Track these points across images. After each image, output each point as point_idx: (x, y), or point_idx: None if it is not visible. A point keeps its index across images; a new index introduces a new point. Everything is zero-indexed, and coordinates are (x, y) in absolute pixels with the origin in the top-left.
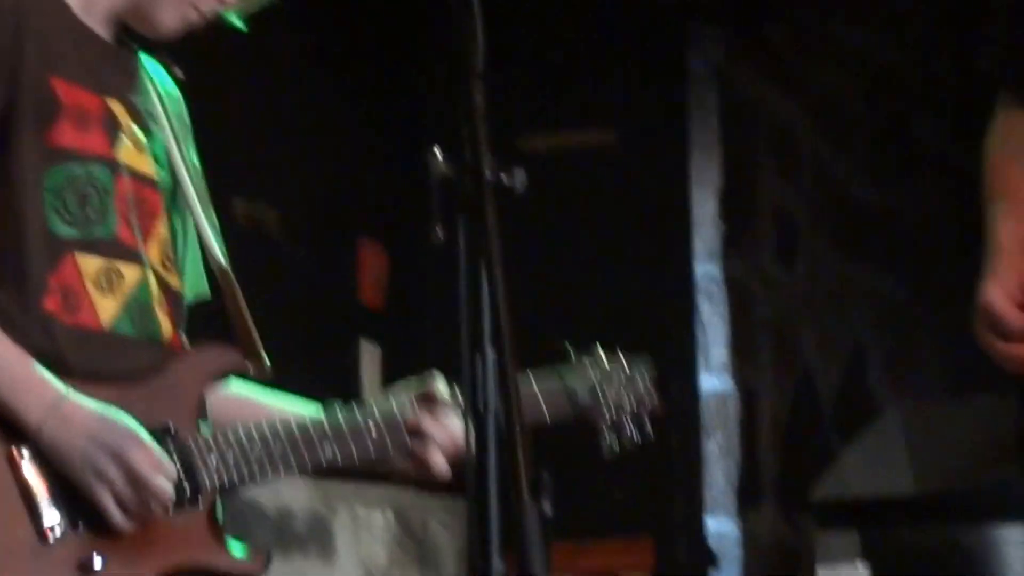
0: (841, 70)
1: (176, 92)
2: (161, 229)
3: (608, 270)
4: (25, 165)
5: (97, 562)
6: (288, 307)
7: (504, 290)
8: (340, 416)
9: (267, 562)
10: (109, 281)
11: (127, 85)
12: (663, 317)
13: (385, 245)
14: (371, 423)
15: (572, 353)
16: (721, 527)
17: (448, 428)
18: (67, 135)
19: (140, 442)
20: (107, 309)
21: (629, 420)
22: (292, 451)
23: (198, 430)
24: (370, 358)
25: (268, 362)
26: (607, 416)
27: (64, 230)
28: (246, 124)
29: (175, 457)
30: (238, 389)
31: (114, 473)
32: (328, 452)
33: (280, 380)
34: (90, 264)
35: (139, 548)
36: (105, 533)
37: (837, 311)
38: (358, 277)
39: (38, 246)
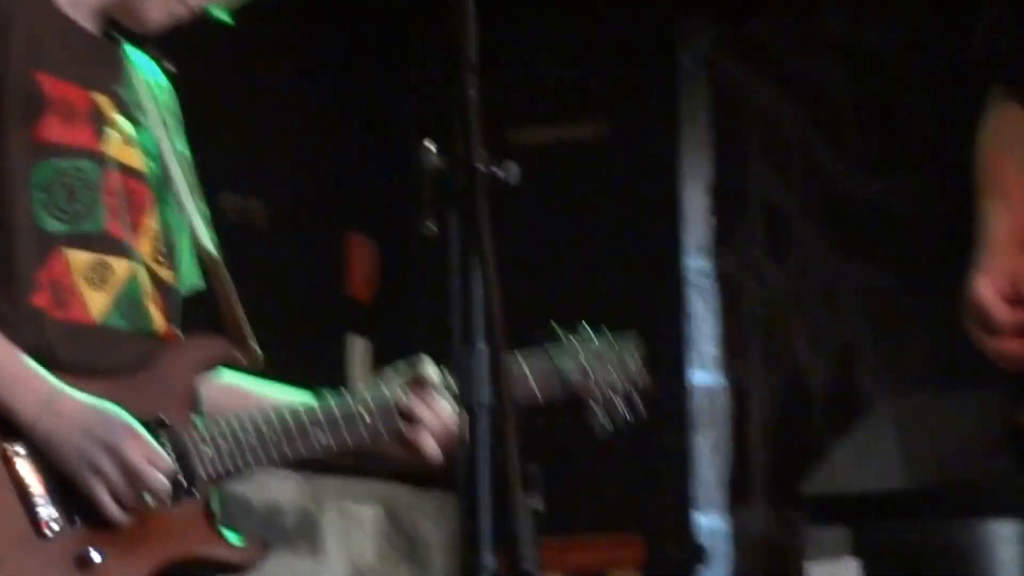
0: (830, 62)
1: (165, 82)
2: (151, 222)
3: (598, 264)
4: (12, 161)
5: (95, 556)
6: (277, 301)
7: (496, 284)
8: (332, 403)
9: (264, 551)
10: (99, 275)
11: (114, 78)
12: (653, 312)
13: (374, 238)
14: (363, 409)
15: (560, 333)
16: (711, 523)
17: (440, 412)
18: (54, 130)
19: (135, 435)
20: (97, 303)
21: (619, 398)
22: (286, 439)
23: (191, 421)
24: (359, 352)
25: (259, 351)
26: (597, 394)
27: (52, 225)
28: (234, 118)
29: (169, 449)
30: (229, 379)
31: (109, 467)
32: (322, 439)
33: (269, 374)
34: (79, 259)
35: (136, 541)
36: (102, 527)
37: (828, 306)
38: (347, 271)
39: (26, 242)
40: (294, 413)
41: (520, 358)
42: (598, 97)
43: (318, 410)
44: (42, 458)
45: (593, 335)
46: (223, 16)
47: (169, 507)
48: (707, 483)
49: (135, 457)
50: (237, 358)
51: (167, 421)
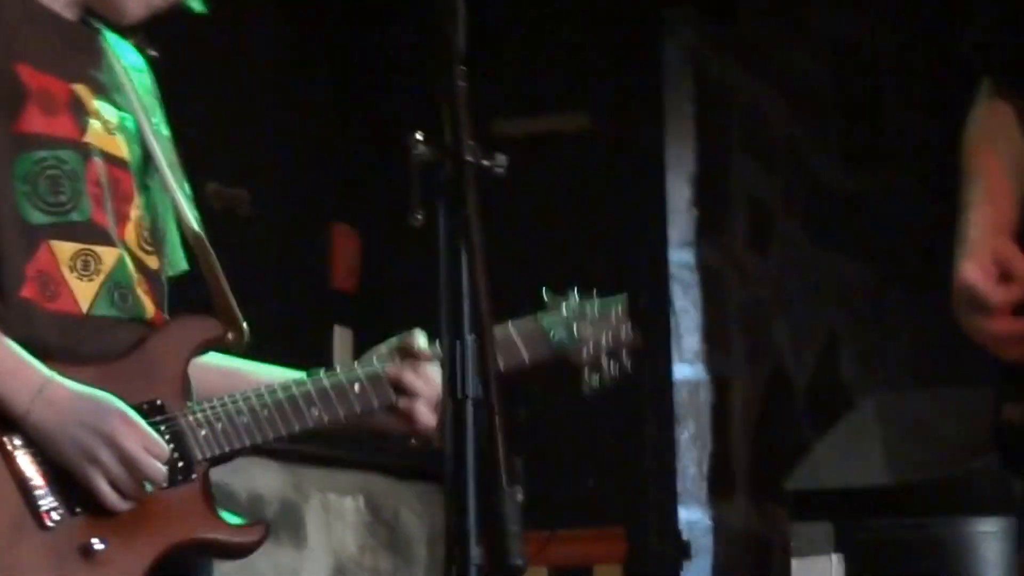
0: (814, 56)
1: (142, 65)
2: (135, 210)
3: (579, 256)
4: None
5: (98, 545)
6: (260, 290)
7: (483, 276)
8: (323, 377)
9: (265, 533)
10: (86, 265)
11: (92, 64)
12: (636, 304)
13: (358, 229)
14: (355, 381)
15: (549, 297)
16: (694, 517)
17: (431, 380)
18: (35, 121)
19: (129, 422)
20: (86, 294)
21: (607, 356)
22: (280, 416)
23: (185, 403)
24: (342, 342)
25: (247, 329)
26: (584, 354)
27: (37, 217)
28: (219, 107)
29: (165, 432)
30: (219, 360)
31: (106, 456)
32: (315, 413)
33: (254, 360)
34: (65, 250)
35: (138, 527)
36: (103, 515)
37: (810, 300)
38: (331, 261)
39: (12, 235)
40: (286, 389)
41: (510, 324)
42: (582, 89)
43: (309, 385)
44: (39, 449)
45: (581, 298)
46: (198, 7)
47: (168, 491)
48: (690, 477)
49: (131, 445)
50: (227, 338)
51: (161, 404)
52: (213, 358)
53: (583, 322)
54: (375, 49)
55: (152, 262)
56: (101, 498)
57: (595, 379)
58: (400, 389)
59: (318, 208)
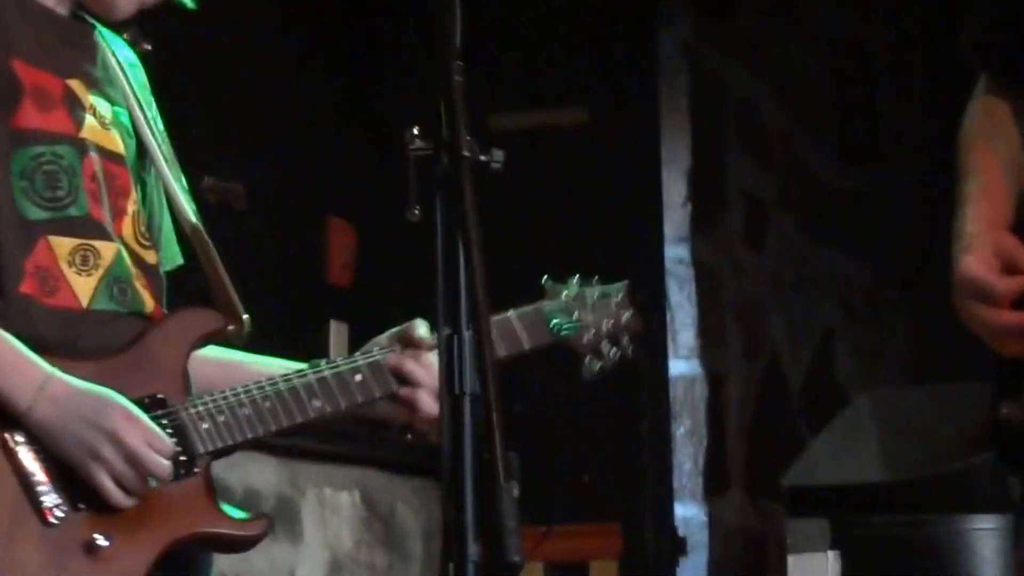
0: (810, 52)
1: (135, 59)
2: (132, 206)
3: (574, 251)
4: None
5: (102, 541)
6: (255, 285)
7: (481, 271)
8: (324, 368)
9: (269, 526)
10: (85, 260)
11: (87, 60)
12: (632, 299)
13: (354, 223)
14: (356, 370)
15: (547, 283)
16: (689, 513)
17: (432, 369)
18: (30, 117)
19: (132, 418)
20: (85, 289)
21: (608, 342)
22: (281, 408)
23: (187, 396)
24: (338, 337)
25: (248, 320)
26: (585, 339)
27: (35, 213)
28: (214, 102)
29: (167, 427)
30: (218, 353)
31: (109, 452)
32: (317, 404)
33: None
34: (64, 245)
35: (141, 523)
36: (106, 511)
37: (806, 296)
38: (326, 256)
39: (10, 231)
40: (287, 381)
41: (510, 312)
42: (577, 84)
43: (310, 376)
44: (41, 445)
45: (582, 284)
46: (189, 2)
47: (170, 485)
48: (686, 473)
49: (135, 442)
50: (227, 330)
51: (162, 398)
52: (213, 351)
53: (584, 308)
54: (371, 43)
55: (150, 256)
56: (105, 495)
57: (596, 364)
58: (402, 378)
59: (314, 202)
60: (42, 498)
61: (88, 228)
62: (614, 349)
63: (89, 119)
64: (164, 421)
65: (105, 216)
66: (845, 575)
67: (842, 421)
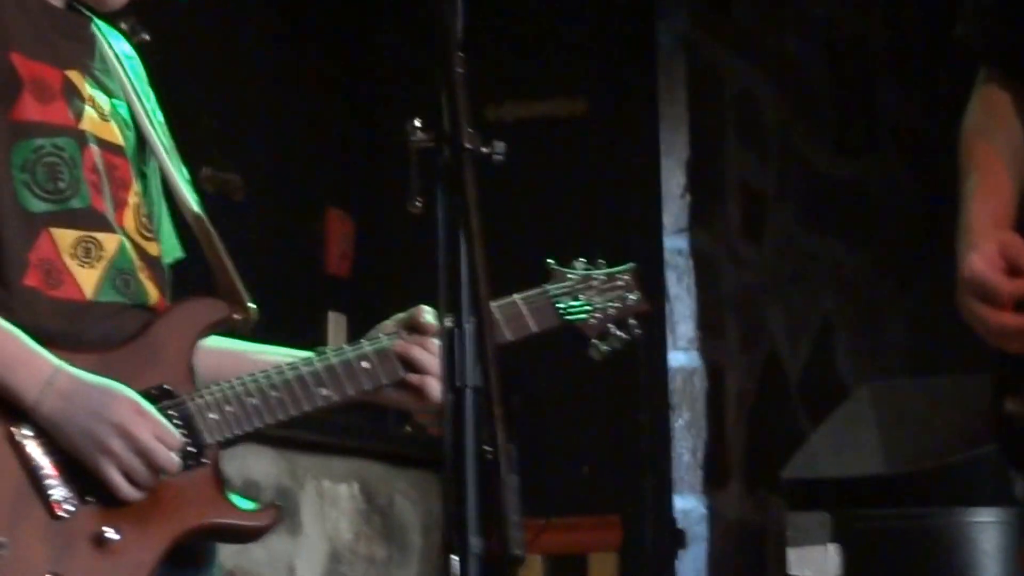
0: (808, 43)
1: (131, 51)
2: (133, 197)
3: (574, 243)
4: None
5: (111, 534)
6: (254, 276)
7: (482, 263)
8: (331, 356)
9: (277, 517)
10: (87, 252)
11: (84, 52)
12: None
13: (352, 214)
14: (362, 358)
15: (557, 269)
16: (689, 506)
17: (439, 354)
18: (30, 109)
19: (140, 411)
20: (89, 281)
21: (614, 324)
22: (289, 397)
23: (194, 387)
24: (337, 328)
25: (254, 308)
26: (591, 321)
27: (37, 205)
28: (212, 92)
29: (175, 418)
30: (223, 343)
31: (118, 446)
32: (324, 393)
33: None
34: (66, 237)
35: (150, 515)
36: (115, 504)
37: (805, 287)
38: (325, 246)
39: (13, 224)
40: (294, 370)
41: (516, 296)
42: (575, 75)
43: (317, 364)
44: (48, 439)
45: (587, 266)
46: None
47: (179, 476)
48: (685, 465)
49: (144, 435)
50: (231, 318)
51: (169, 389)
52: (219, 341)
53: (589, 290)
54: (370, 33)
55: (152, 248)
56: (115, 488)
57: (603, 347)
58: (409, 365)
59: (312, 193)
60: (50, 491)
61: (90, 220)
62: (620, 331)
63: (88, 110)
64: (172, 412)
65: (107, 208)
66: (845, 568)
67: (841, 413)
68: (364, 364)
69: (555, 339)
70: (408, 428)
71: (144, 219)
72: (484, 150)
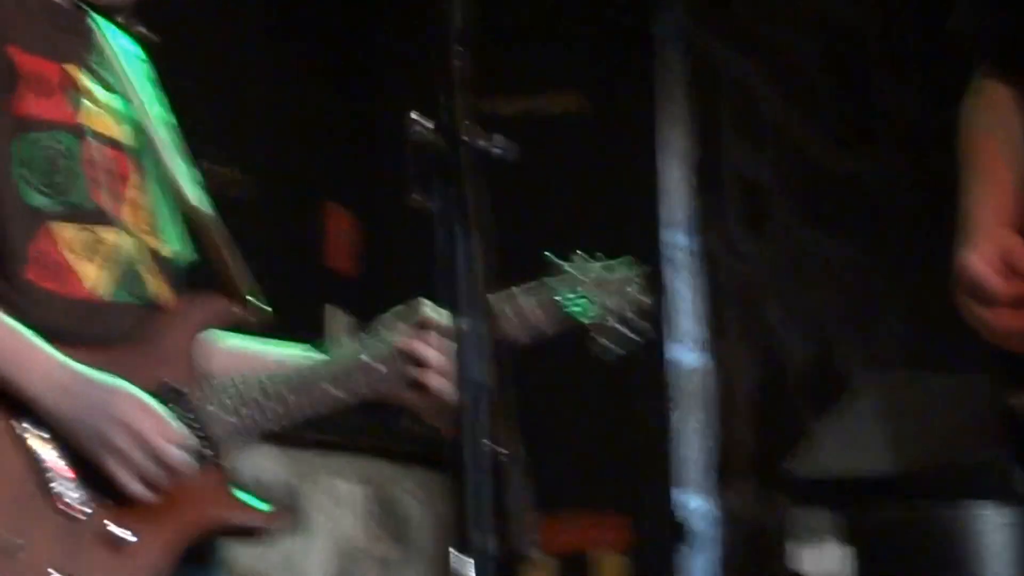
0: (806, 37)
1: (134, 48)
2: (134, 192)
3: (573, 238)
4: None
5: (121, 534)
6: (254, 272)
7: (484, 259)
8: (337, 355)
9: (288, 516)
10: (88, 247)
11: (84, 47)
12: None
13: (352, 210)
14: (368, 357)
15: (555, 262)
16: (695, 503)
17: (443, 350)
18: (29, 104)
19: (147, 410)
20: (90, 275)
21: (615, 318)
22: (296, 397)
23: (200, 385)
24: (337, 324)
25: (263, 304)
26: (591, 313)
27: (38, 200)
28: (212, 88)
29: (184, 417)
30: (231, 341)
31: (127, 445)
32: (332, 392)
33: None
34: (67, 232)
35: (161, 514)
36: (125, 503)
37: (806, 282)
38: (325, 242)
39: (13, 218)
40: (300, 370)
41: (515, 292)
42: (573, 69)
43: (324, 363)
44: (51, 433)
45: (587, 261)
46: None
47: (192, 477)
48: (690, 462)
49: (152, 435)
50: (237, 316)
51: (177, 388)
52: (226, 339)
53: (587, 283)
54: (368, 27)
55: (152, 242)
56: (125, 488)
57: (603, 340)
58: (412, 360)
59: (311, 188)
60: (60, 491)
61: (91, 215)
62: (623, 325)
63: (86, 105)
64: (186, 412)
65: (106, 202)
66: (850, 564)
67: (843, 408)
68: (371, 364)
69: (558, 333)
70: (414, 425)
71: (144, 213)
72: (483, 144)
